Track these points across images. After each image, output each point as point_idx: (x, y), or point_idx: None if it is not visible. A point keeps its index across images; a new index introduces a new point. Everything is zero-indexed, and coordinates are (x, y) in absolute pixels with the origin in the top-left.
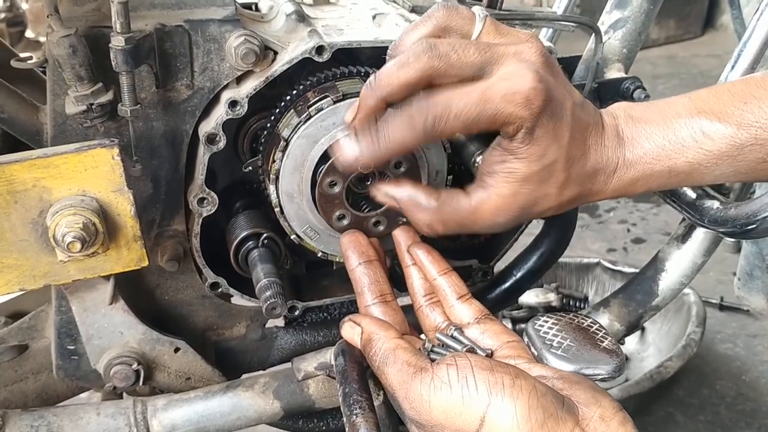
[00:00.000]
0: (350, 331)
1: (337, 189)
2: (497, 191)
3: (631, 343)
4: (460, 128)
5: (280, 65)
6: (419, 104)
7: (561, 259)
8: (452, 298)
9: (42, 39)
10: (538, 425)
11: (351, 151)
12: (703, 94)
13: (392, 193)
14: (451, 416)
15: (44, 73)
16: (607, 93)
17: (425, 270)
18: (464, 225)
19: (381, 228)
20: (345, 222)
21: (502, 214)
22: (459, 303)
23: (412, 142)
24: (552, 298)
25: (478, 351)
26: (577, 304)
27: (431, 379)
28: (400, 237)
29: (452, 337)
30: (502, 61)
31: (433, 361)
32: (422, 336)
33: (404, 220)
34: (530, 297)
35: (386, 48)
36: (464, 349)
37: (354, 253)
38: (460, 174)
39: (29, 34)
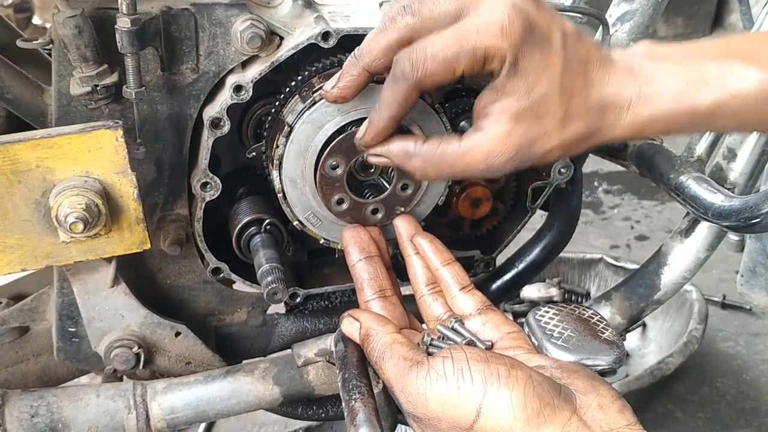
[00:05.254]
0: (349, 326)
1: (338, 171)
2: (489, 132)
3: (632, 339)
4: (441, 71)
5: (285, 50)
6: (398, 56)
7: (563, 254)
8: (455, 288)
9: (49, 25)
10: (535, 414)
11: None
12: (735, 38)
13: (382, 150)
14: (447, 409)
15: (50, 54)
16: None
17: (428, 260)
18: (457, 169)
19: (379, 216)
20: (344, 206)
21: (496, 156)
22: (461, 294)
23: (398, 98)
24: (554, 292)
25: (478, 343)
26: (579, 299)
27: (427, 372)
28: (401, 227)
29: (453, 329)
30: (476, 4)
31: (431, 354)
32: (423, 326)
33: (402, 209)
34: (532, 291)
35: None
36: (464, 341)
37: (355, 249)
38: None
39: (36, 20)
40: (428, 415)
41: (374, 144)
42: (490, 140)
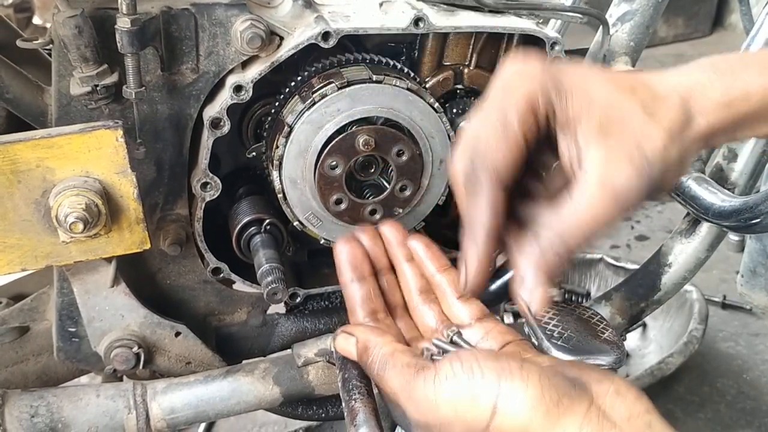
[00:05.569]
0: (344, 342)
1: (338, 171)
2: (590, 166)
3: (632, 339)
4: (506, 148)
5: (285, 50)
6: (464, 169)
7: None
8: (451, 297)
9: (49, 25)
10: (554, 405)
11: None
12: None
13: (537, 288)
14: (460, 411)
15: (50, 54)
16: None
17: (423, 266)
18: (589, 221)
19: (377, 216)
20: (342, 206)
21: (615, 178)
22: (458, 302)
23: (484, 207)
24: (554, 292)
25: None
26: (579, 299)
27: (435, 375)
28: (389, 233)
29: (452, 341)
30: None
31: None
32: (421, 344)
33: (400, 211)
34: None
35: (392, 35)
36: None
37: (348, 268)
38: None
39: (36, 20)
40: (440, 421)
41: (483, 277)
42: (596, 171)
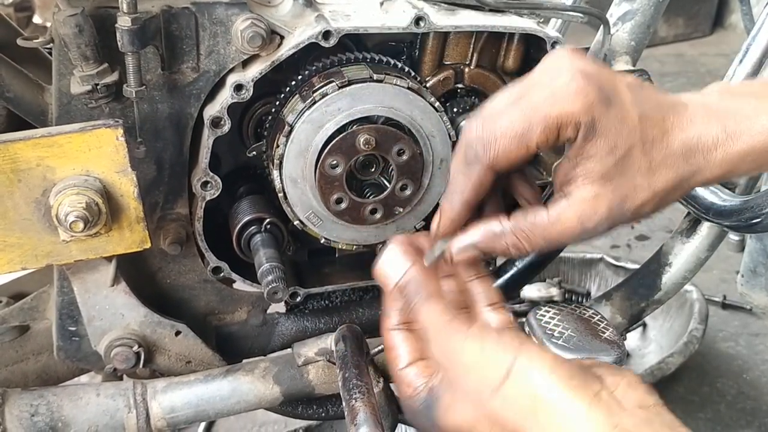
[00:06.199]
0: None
1: (338, 171)
2: (577, 196)
3: (632, 339)
4: (514, 147)
5: (286, 50)
6: (468, 140)
7: (564, 254)
8: (482, 304)
9: (49, 24)
10: (567, 377)
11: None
12: None
13: (467, 242)
14: (479, 364)
15: (50, 53)
16: None
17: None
18: (551, 238)
19: (377, 216)
20: (343, 206)
21: (588, 218)
22: (488, 310)
23: (472, 182)
24: (554, 292)
25: None
26: (580, 299)
27: (468, 326)
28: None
29: None
30: (538, 77)
31: None
32: None
33: (401, 210)
34: (532, 291)
35: (393, 34)
36: None
37: (397, 314)
38: None
39: (36, 19)
40: (458, 367)
41: (450, 232)
42: (579, 204)
